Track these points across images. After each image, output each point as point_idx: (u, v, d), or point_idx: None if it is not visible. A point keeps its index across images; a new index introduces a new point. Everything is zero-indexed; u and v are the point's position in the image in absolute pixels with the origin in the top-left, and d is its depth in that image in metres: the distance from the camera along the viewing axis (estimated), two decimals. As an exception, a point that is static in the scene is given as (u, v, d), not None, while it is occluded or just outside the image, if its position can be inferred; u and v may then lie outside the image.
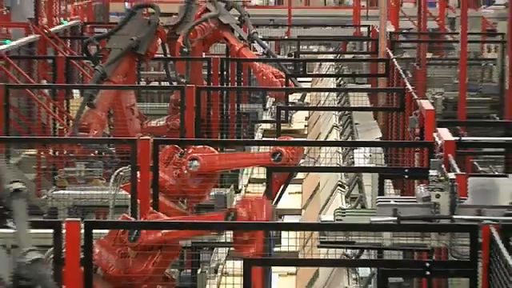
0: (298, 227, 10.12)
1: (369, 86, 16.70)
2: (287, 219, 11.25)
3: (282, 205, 10.45)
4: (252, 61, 16.92)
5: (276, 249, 8.91)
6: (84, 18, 24.50)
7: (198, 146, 9.92)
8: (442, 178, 7.36)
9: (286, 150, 9.64)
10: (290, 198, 12.16)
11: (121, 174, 9.09)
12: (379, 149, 11.38)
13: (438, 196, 7.24)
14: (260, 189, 10.57)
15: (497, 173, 8.79)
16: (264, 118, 17.55)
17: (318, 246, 8.06)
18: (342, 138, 13.27)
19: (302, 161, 12.47)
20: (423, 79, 16.88)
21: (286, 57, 19.57)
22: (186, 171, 9.33)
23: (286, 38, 22.32)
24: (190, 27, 15.11)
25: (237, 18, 17.51)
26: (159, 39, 13.76)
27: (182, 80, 14.45)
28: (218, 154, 10.30)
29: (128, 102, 12.47)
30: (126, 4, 25.39)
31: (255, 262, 7.60)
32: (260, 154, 10.38)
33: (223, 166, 10.80)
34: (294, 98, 16.00)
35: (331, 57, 20.05)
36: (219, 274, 10.04)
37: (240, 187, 12.56)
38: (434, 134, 8.99)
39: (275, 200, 9.42)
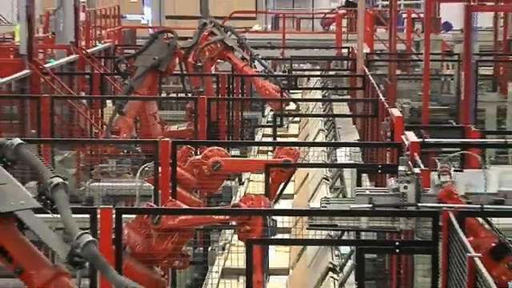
0: (291, 213, 10.13)
1: (349, 97, 16.67)
2: (282, 203, 11.20)
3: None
4: (253, 76, 16.99)
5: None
6: (115, 41, 24.40)
7: (210, 148, 9.92)
8: (409, 172, 7.37)
9: (292, 158, 9.61)
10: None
11: (145, 169, 9.08)
12: (357, 148, 11.39)
13: (405, 187, 7.24)
14: (260, 177, 10.53)
15: (454, 168, 8.78)
16: (262, 123, 17.51)
17: (307, 228, 8.04)
18: (326, 139, 13.26)
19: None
20: (393, 91, 16.85)
21: (281, 73, 19.48)
22: (206, 171, 9.27)
23: (281, 57, 22.26)
24: (200, 48, 15.09)
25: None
26: (177, 58, 13.75)
27: (200, 90, 14.53)
28: (237, 159, 10.29)
29: (151, 110, 12.48)
30: (150, 30, 25.24)
31: (255, 242, 7.61)
32: (270, 160, 10.35)
33: (240, 170, 10.88)
34: (291, 108, 16.08)
35: (318, 73, 19.99)
36: (226, 251, 10.02)
37: (243, 180, 12.54)
38: (402, 137, 9.00)
39: (274, 198, 9.38)
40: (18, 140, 3.93)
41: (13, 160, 3.93)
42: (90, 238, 3.80)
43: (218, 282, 9.23)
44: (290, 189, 11.74)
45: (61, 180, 3.79)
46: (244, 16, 30.88)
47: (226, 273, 9.50)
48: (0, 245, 3.72)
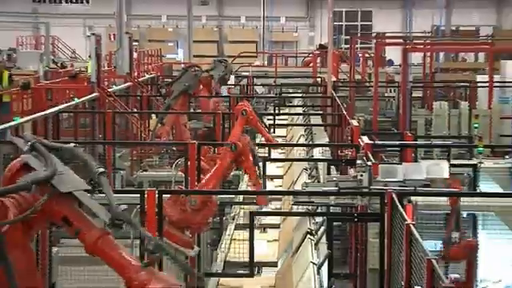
0: (281, 193, 10.11)
1: (321, 112, 16.62)
2: (273, 186, 11.15)
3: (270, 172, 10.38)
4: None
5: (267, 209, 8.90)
6: (158, 72, 24.45)
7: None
8: (364, 165, 7.36)
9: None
10: (275, 169, 12.14)
11: (178, 163, 9.05)
12: (327, 148, 11.36)
13: (361, 175, 7.24)
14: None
15: (395, 162, 8.81)
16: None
17: (293, 204, 8.07)
18: (306, 141, 13.23)
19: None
20: (352, 108, 16.79)
21: (274, 95, 19.51)
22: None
23: (274, 84, 22.25)
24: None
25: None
26: (201, 85, 13.76)
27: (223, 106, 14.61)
28: None
29: (183, 121, 12.44)
30: (182, 65, 25.21)
31: (256, 213, 7.59)
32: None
33: None
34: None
35: (300, 95, 19.98)
36: (235, 220, 9.99)
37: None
38: (359, 140, 8.98)
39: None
40: (71, 144, 4.06)
41: (68, 158, 4.02)
42: (125, 206, 3.92)
43: (230, 243, 9.20)
44: (279, 180, 11.72)
45: (103, 169, 3.91)
46: (248, 55, 30.93)
47: (235, 236, 9.48)
48: (64, 215, 3.82)
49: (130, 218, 3.90)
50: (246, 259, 7.20)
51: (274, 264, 8.85)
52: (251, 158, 8.27)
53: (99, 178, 3.92)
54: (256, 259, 7.23)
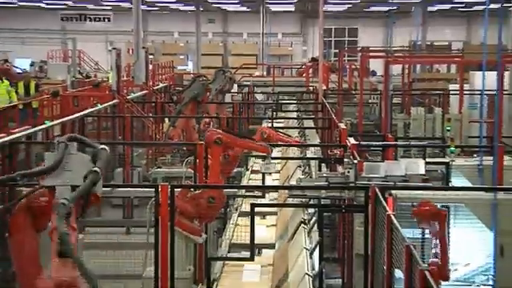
0: (278, 187, 10.09)
1: (313, 116, 16.59)
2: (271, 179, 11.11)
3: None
4: (255, 104, 17.18)
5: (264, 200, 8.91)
6: (170, 82, 24.39)
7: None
8: (351, 162, 7.35)
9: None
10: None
11: (188, 160, 9.03)
12: (318, 148, 11.35)
13: (348, 172, 7.22)
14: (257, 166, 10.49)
15: (378, 161, 8.81)
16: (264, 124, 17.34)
17: (288, 197, 8.07)
18: (300, 142, 13.25)
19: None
20: (340, 113, 16.77)
21: (271, 101, 19.49)
22: (223, 160, 9.18)
23: (272, 92, 22.23)
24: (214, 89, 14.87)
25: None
26: (208, 93, 13.74)
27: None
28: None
29: (192, 124, 12.44)
30: (191, 75, 25.22)
31: (256, 205, 7.58)
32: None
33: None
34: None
35: (294, 102, 19.96)
36: (238, 211, 9.99)
37: (248, 167, 12.48)
38: (346, 141, 8.97)
39: None
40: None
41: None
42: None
43: (233, 231, 9.19)
44: (277, 175, 11.72)
45: (104, 147, 3.72)
46: (249, 67, 30.93)
47: (238, 222, 9.50)
48: None
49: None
50: (248, 242, 7.19)
51: (272, 246, 8.88)
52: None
53: (100, 152, 3.73)
54: (256, 241, 7.21)
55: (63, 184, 3.54)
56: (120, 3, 33.67)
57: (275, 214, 9.86)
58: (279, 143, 9.85)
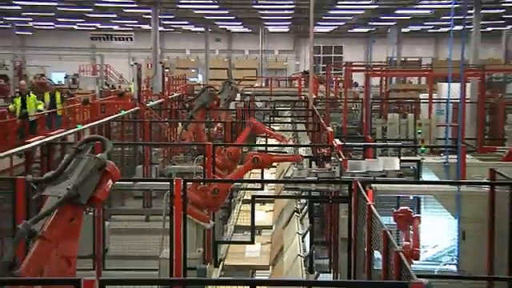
0: (275, 181, 10.09)
1: (305, 121, 16.58)
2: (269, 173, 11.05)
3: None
4: (255, 111, 17.17)
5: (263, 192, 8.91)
6: (183, 92, 24.37)
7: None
8: (336, 160, 7.33)
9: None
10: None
11: (198, 159, 9.03)
12: (309, 148, 11.33)
13: (334, 168, 7.22)
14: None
15: (360, 159, 8.81)
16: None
17: (284, 189, 8.05)
18: (294, 143, 13.20)
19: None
20: (328, 118, 16.75)
21: (269, 108, 19.46)
22: (228, 159, 9.10)
23: (269, 100, 22.22)
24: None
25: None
26: (215, 102, 13.70)
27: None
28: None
29: (201, 128, 12.40)
30: (201, 86, 25.20)
31: (256, 197, 7.58)
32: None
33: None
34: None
35: (289, 108, 19.93)
36: (241, 201, 9.97)
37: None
38: (333, 142, 8.96)
39: None
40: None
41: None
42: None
43: (237, 217, 9.18)
44: (274, 169, 11.69)
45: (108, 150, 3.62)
46: (250, 79, 30.88)
47: (241, 211, 9.46)
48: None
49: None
50: (250, 224, 7.19)
51: (269, 227, 8.88)
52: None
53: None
54: (256, 224, 7.19)
55: (53, 195, 3.40)
56: (140, 25, 33.67)
57: (273, 201, 9.83)
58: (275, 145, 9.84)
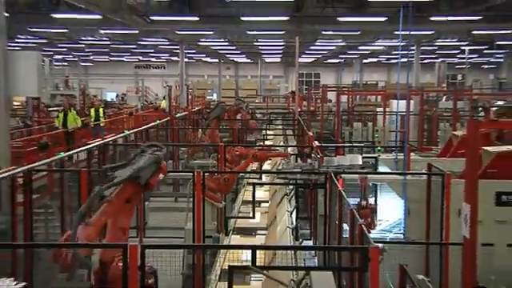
0: (270, 172, 10.04)
1: (292, 128, 16.47)
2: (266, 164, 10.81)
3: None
4: (255, 120, 17.16)
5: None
6: (203, 106, 24.24)
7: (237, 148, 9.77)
8: (315, 157, 7.31)
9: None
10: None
11: (213, 156, 8.99)
12: (295, 148, 11.27)
13: (314, 162, 7.15)
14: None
15: (332, 156, 8.76)
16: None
17: (277, 178, 8.01)
18: (283, 144, 13.13)
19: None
20: (309, 125, 16.67)
21: (266, 118, 19.38)
22: (236, 156, 8.90)
23: (266, 112, 22.09)
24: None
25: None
26: (226, 114, 13.62)
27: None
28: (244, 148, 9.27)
29: (216, 133, 12.26)
30: (216, 102, 25.07)
31: (256, 184, 7.53)
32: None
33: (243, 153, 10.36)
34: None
35: (280, 118, 19.86)
36: (245, 186, 9.88)
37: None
38: (313, 143, 8.92)
39: None
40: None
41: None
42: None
43: (242, 199, 9.13)
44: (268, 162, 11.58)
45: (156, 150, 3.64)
46: (252, 96, 30.90)
47: (245, 194, 9.37)
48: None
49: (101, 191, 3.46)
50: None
51: (266, 201, 8.68)
52: (266, 153, 8.21)
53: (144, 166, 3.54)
54: (257, 198, 7.00)
55: (121, 175, 3.41)
56: (171, 57, 33.81)
57: (267, 201, 9.71)
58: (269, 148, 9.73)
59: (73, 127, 13.54)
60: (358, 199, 6.10)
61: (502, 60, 32.79)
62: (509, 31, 17.99)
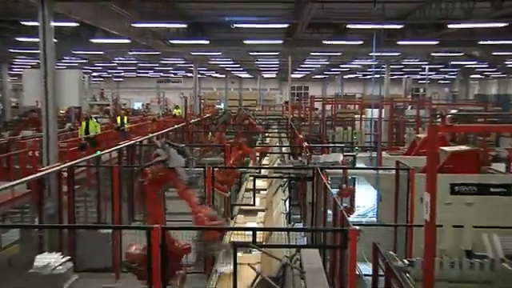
0: (267, 168, 9.98)
1: (285, 131, 16.40)
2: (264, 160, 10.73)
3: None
4: (256, 125, 17.09)
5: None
6: (212, 113, 24.14)
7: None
8: (305, 155, 7.31)
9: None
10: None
11: (221, 154, 8.96)
12: (288, 148, 11.26)
13: (303, 159, 7.14)
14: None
15: (319, 154, 8.77)
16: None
17: (273, 172, 8.00)
18: (278, 144, 13.05)
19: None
20: (300, 130, 16.59)
21: (264, 123, 18.88)
22: (239, 154, 8.84)
23: (264, 118, 21.81)
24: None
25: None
26: (231, 119, 13.49)
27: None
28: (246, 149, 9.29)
29: (223, 135, 12.17)
30: (223, 110, 24.95)
31: (256, 176, 7.52)
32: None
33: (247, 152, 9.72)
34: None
35: (276, 123, 19.77)
36: (247, 179, 9.81)
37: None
38: (303, 144, 8.90)
39: None
40: (182, 145, 4.00)
41: (180, 152, 3.96)
42: (196, 174, 3.85)
43: (245, 188, 9.08)
44: (266, 158, 11.49)
45: (192, 157, 3.84)
46: (252, 105, 30.74)
47: (247, 189, 9.32)
48: (170, 178, 3.75)
49: (194, 181, 3.78)
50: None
51: (265, 189, 8.60)
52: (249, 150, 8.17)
53: (189, 161, 3.85)
54: (257, 187, 7.04)
55: (178, 166, 3.73)
56: (186, 73, 33.89)
57: (265, 189, 9.65)
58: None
59: (93, 134, 12.98)
60: (341, 187, 6.09)
61: (454, 77, 33.86)
62: (460, 54, 18.30)
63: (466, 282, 3.55)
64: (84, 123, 13.38)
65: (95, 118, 14.58)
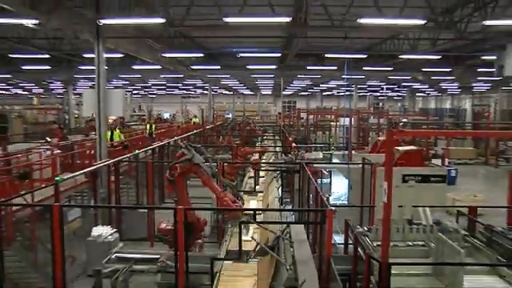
0: (265, 163, 9.85)
1: (279, 135, 16.21)
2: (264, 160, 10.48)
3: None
4: (256, 131, 16.92)
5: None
6: (223, 121, 23.88)
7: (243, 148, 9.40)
8: (294, 153, 7.28)
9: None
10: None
11: (229, 152, 8.87)
12: (280, 147, 11.17)
13: (292, 156, 7.15)
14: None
15: (304, 152, 8.72)
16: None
17: (270, 167, 7.94)
18: (273, 144, 12.89)
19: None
20: (289, 133, 16.39)
21: (262, 129, 18.30)
22: (242, 152, 8.70)
23: (262, 125, 21.42)
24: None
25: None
26: (236, 125, 13.31)
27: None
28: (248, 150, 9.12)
29: (231, 138, 11.86)
30: (231, 118, 24.76)
31: (257, 169, 7.45)
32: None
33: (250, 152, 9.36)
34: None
35: (271, 129, 19.54)
36: (248, 175, 9.63)
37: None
38: (292, 144, 8.86)
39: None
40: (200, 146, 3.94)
41: (199, 151, 3.93)
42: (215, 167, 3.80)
43: (246, 182, 8.99)
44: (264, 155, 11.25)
45: (210, 156, 3.78)
46: (253, 115, 30.47)
47: (249, 177, 9.16)
48: (195, 171, 3.74)
49: (216, 173, 3.79)
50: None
51: (263, 176, 7.88)
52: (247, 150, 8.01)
53: (208, 158, 3.85)
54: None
55: (201, 161, 3.70)
56: (203, 91, 33.87)
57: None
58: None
59: (117, 142, 11.82)
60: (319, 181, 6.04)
61: (405, 94, 34.48)
62: (408, 77, 18.71)
63: (408, 241, 3.96)
64: (109, 132, 12.15)
65: (127, 125, 14.34)
